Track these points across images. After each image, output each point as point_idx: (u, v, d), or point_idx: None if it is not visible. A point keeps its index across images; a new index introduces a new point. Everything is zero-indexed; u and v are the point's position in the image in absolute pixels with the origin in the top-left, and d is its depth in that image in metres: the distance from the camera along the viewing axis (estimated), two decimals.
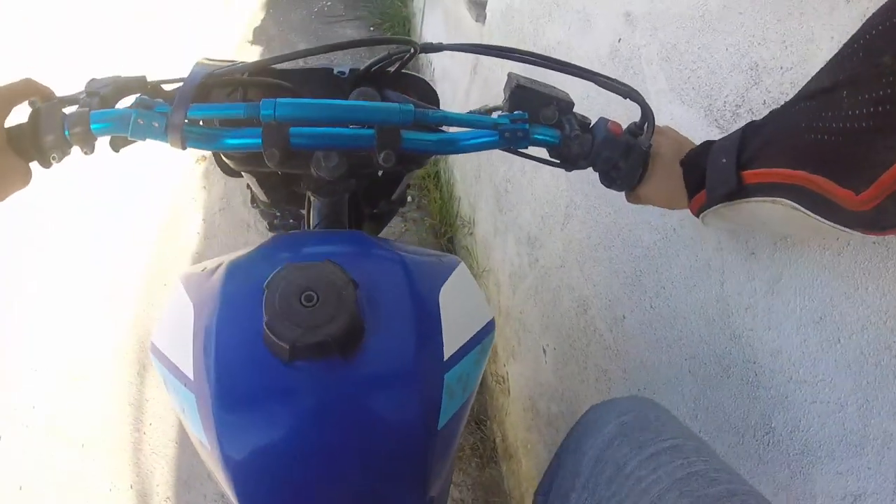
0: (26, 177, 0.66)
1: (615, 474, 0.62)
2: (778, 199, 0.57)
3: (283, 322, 0.54)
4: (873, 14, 0.48)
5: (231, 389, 0.56)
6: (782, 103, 0.73)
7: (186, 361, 0.60)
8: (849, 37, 0.51)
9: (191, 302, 0.64)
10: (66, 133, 0.64)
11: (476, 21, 2.21)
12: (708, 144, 0.68)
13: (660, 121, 0.94)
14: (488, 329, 0.75)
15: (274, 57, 0.75)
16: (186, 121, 0.65)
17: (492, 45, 0.77)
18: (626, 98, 0.73)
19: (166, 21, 3.94)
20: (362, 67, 0.86)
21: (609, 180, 0.76)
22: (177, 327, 0.65)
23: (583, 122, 0.75)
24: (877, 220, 0.49)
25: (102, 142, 0.67)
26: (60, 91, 0.72)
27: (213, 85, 0.75)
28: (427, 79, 0.93)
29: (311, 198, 0.93)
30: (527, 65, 0.78)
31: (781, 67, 0.74)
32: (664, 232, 1.01)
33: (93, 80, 0.72)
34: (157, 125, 0.64)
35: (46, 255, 2.35)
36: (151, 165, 2.71)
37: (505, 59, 0.76)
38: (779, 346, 0.77)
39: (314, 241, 0.77)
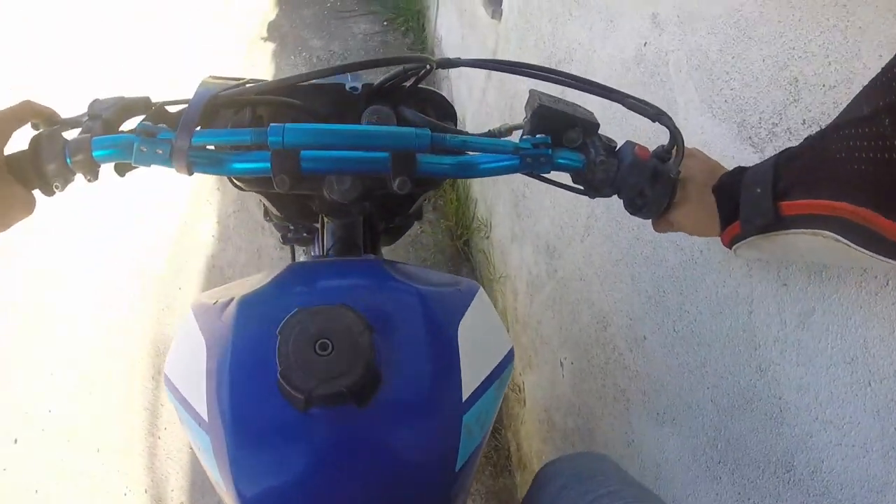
0: (29, 206, 0.65)
1: None
2: (819, 231, 0.54)
3: (298, 372, 0.52)
4: None
5: (246, 435, 0.56)
6: (820, 127, 0.68)
7: (200, 400, 0.59)
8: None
9: (203, 338, 0.63)
10: (68, 161, 0.62)
11: (492, 18, 2.15)
12: (740, 172, 0.64)
13: (689, 134, 0.90)
14: (507, 360, 0.72)
15: (281, 79, 0.71)
16: (191, 146, 0.62)
17: (514, 62, 0.72)
18: (654, 121, 0.67)
19: (167, 21, 3.92)
20: (375, 83, 0.81)
21: (634, 207, 0.71)
22: (189, 363, 0.63)
23: (608, 146, 0.70)
24: None
25: (107, 167, 0.65)
26: (63, 109, 0.70)
27: (219, 106, 0.71)
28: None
29: (325, 219, 0.89)
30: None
31: (824, 85, 0.68)
32: (690, 253, 0.96)
33: (95, 100, 0.69)
34: (160, 152, 0.61)
35: (61, 259, 2.35)
36: (165, 169, 2.65)
37: (528, 77, 0.71)
38: (806, 383, 0.74)
39: (328, 273, 0.74)
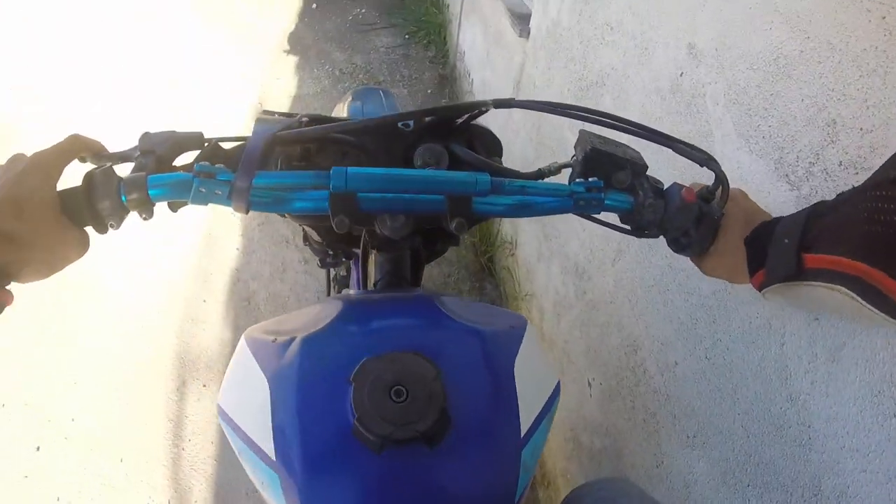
0: (84, 245, 0.63)
1: None
2: (836, 286, 0.55)
3: (375, 419, 0.54)
4: None
5: (319, 475, 0.57)
6: (856, 170, 0.70)
7: (266, 439, 0.59)
8: None
9: (264, 376, 0.63)
10: (123, 199, 0.60)
11: (519, 36, 2.16)
12: (774, 222, 0.66)
13: (726, 169, 0.90)
14: (556, 393, 0.73)
15: (342, 123, 0.71)
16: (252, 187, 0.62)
17: (568, 105, 0.72)
18: (702, 166, 0.68)
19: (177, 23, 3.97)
20: (427, 120, 0.81)
21: (678, 246, 0.72)
22: (250, 400, 0.64)
23: (655, 188, 0.71)
24: None
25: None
26: (107, 141, 0.69)
27: (276, 144, 0.72)
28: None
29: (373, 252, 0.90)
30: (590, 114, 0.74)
31: (861, 129, 0.69)
32: (724, 284, 0.97)
33: (146, 134, 0.69)
34: (219, 193, 0.61)
35: (86, 269, 2.35)
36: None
37: (581, 120, 0.71)
38: (835, 413, 0.76)
39: (385, 312, 0.75)
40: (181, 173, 0.62)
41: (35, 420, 2.01)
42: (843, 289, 0.54)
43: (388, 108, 1.40)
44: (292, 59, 3.85)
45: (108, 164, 0.63)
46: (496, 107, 0.73)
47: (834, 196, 0.73)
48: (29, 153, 0.61)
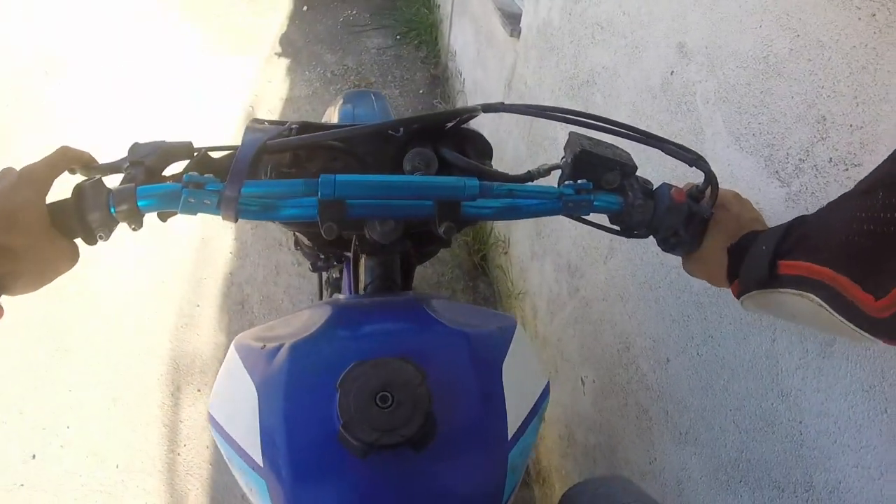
0: (73, 256, 0.63)
1: None
2: (805, 293, 0.55)
3: (360, 425, 0.54)
4: None
5: (305, 481, 0.57)
6: (846, 166, 0.71)
7: (253, 445, 0.60)
8: None
9: (252, 383, 0.63)
10: (113, 210, 0.60)
11: (510, 35, 2.17)
12: (758, 234, 0.66)
13: (716, 166, 0.90)
14: (545, 394, 0.73)
15: (332, 131, 0.71)
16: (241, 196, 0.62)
17: (556, 108, 0.72)
18: (691, 166, 0.69)
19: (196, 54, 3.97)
20: (416, 125, 0.81)
21: (667, 245, 0.73)
22: (239, 407, 0.64)
23: (645, 188, 0.72)
24: (894, 330, 0.48)
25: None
26: (97, 143, 0.68)
27: (266, 153, 0.71)
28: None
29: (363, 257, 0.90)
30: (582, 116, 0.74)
31: (851, 125, 0.70)
32: None
33: (136, 144, 0.69)
34: (208, 202, 0.61)
35: (78, 276, 2.34)
36: None
37: (568, 123, 0.72)
38: (826, 409, 0.77)
39: (374, 317, 0.76)
40: (170, 184, 0.62)
41: (30, 428, 2.01)
42: (812, 296, 0.54)
43: (378, 111, 1.40)
44: (284, 62, 3.85)
45: (98, 176, 0.63)
46: (485, 111, 0.74)
47: (823, 193, 0.74)
48: (18, 166, 0.61)
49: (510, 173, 0.77)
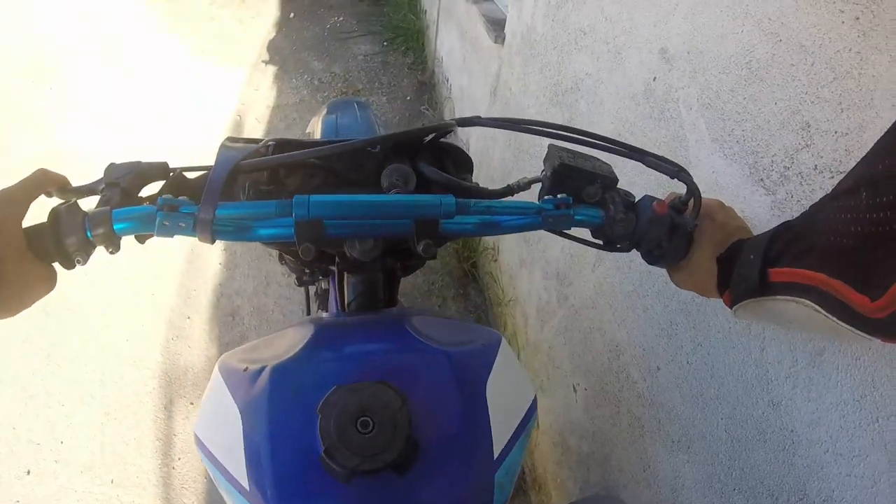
0: (51, 281, 0.62)
1: None
2: (799, 299, 0.55)
3: (341, 450, 0.54)
4: None
5: None
6: (832, 173, 0.70)
7: (239, 469, 0.60)
8: None
9: (236, 406, 0.63)
10: (89, 234, 0.60)
11: (495, 42, 2.17)
12: (745, 242, 0.65)
13: (700, 173, 0.90)
14: (532, 410, 0.73)
15: (306, 151, 0.70)
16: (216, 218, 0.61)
17: (533, 122, 0.71)
18: (673, 178, 0.68)
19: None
20: (393, 141, 0.80)
21: (651, 258, 0.71)
22: (223, 430, 0.64)
23: (626, 201, 0.70)
24: (891, 329, 0.48)
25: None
26: (84, 160, 0.68)
27: (240, 173, 0.70)
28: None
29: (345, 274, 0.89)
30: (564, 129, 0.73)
31: (836, 132, 0.69)
32: None
33: (111, 165, 0.68)
34: (183, 225, 0.60)
35: (68, 291, 2.35)
36: None
37: (546, 136, 0.71)
38: (818, 418, 0.76)
39: (355, 337, 0.75)
40: (145, 206, 0.62)
41: (24, 444, 2.00)
42: (808, 301, 0.54)
43: (362, 121, 1.39)
44: (271, 70, 3.83)
45: (74, 200, 0.63)
46: (460, 125, 0.73)
47: (809, 200, 0.73)
48: (4, 176, 0.60)
49: (496, 180, 0.76)
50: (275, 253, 2.60)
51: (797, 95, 0.75)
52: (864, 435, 0.69)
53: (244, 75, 3.76)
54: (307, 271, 1.15)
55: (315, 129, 1.42)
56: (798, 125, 0.75)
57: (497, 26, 2.18)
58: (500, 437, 0.64)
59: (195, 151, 3.01)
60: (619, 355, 1.28)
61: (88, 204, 0.64)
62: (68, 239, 0.60)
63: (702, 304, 0.97)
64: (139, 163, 0.69)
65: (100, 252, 0.63)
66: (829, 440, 0.75)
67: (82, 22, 3.93)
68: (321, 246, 0.65)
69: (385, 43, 4.13)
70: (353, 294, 0.88)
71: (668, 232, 0.67)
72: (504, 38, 2.09)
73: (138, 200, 0.68)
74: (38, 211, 0.63)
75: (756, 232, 0.67)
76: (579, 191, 0.69)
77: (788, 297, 0.56)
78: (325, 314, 0.96)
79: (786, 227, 0.60)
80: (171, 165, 0.72)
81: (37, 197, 0.63)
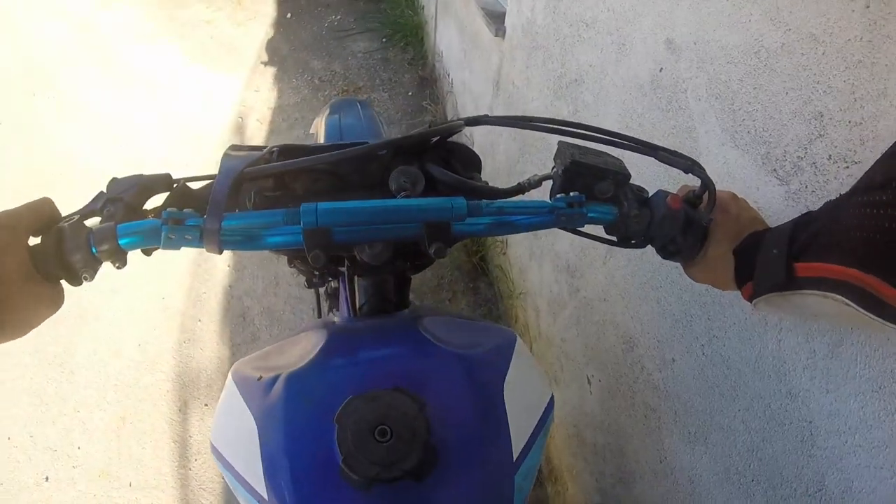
0: (58, 300, 0.61)
1: None
2: (829, 294, 0.55)
3: (360, 460, 0.54)
4: None
5: None
6: (847, 164, 0.69)
7: (257, 478, 0.60)
8: None
9: (252, 415, 0.63)
10: (94, 250, 0.59)
11: (495, 36, 2.15)
12: (762, 233, 0.65)
13: (711, 165, 0.90)
14: (550, 408, 0.72)
15: (310, 157, 0.69)
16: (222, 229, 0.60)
17: (540, 119, 0.70)
18: (687, 172, 0.67)
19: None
20: (401, 143, 0.78)
21: (666, 253, 0.70)
22: (240, 439, 0.64)
23: (639, 196, 0.70)
24: None
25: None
26: (88, 168, 0.66)
27: (245, 181, 0.69)
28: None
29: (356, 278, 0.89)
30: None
31: (850, 122, 0.68)
32: None
33: (114, 180, 0.67)
34: (189, 237, 0.59)
35: (80, 297, 2.33)
36: None
37: (555, 133, 0.70)
38: (836, 409, 0.76)
39: (369, 343, 0.75)
40: (150, 220, 0.61)
41: (42, 451, 2.03)
42: (838, 296, 0.54)
43: (365, 120, 1.39)
44: (270, 70, 3.82)
45: (78, 217, 0.62)
46: (468, 125, 0.72)
47: (823, 191, 0.73)
48: (4, 187, 0.59)
49: (501, 174, 0.76)
50: (280, 256, 2.61)
51: (809, 85, 0.74)
52: (882, 426, 0.69)
53: (244, 78, 3.75)
54: (316, 274, 1.15)
55: (318, 129, 1.41)
56: (810, 115, 0.74)
57: (497, 20, 2.16)
58: (518, 438, 0.64)
59: (197, 158, 3.03)
60: (633, 347, 1.28)
61: (91, 220, 0.63)
62: (74, 256, 0.59)
63: (717, 296, 0.97)
64: (141, 176, 0.68)
65: (106, 263, 0.62)
66: (847, 431, 0.74)
67: (79, 31, 3.92)
68: (331, 252, 0.64)
69: (384, 39, 4.11)
70: (364, 297, 0.88)
71: (682, 227, 0.66)
72: (504, 32, 2.08)
73: (143, 214, 0.67)
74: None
75: (770, 223, 0.67)
76: (591, 187, 0.69)
77: (816, 292, 0.56)
78: (336, 316, 0.96)
79: (806, 218, 0.59)
80: (175, 176, 0.70)
81: (42, 223, 0.61)
